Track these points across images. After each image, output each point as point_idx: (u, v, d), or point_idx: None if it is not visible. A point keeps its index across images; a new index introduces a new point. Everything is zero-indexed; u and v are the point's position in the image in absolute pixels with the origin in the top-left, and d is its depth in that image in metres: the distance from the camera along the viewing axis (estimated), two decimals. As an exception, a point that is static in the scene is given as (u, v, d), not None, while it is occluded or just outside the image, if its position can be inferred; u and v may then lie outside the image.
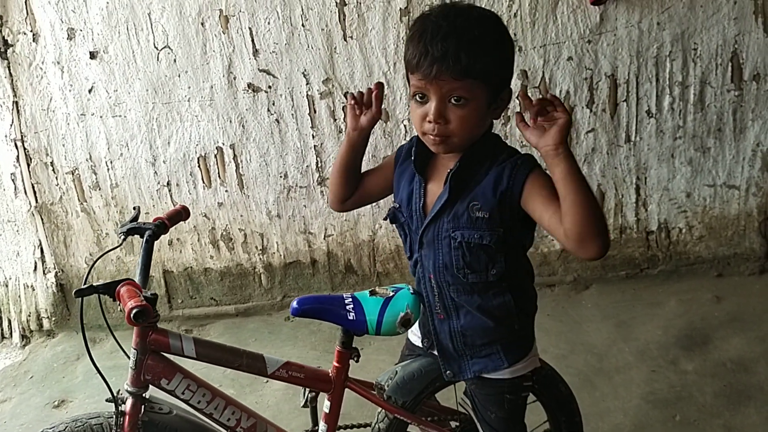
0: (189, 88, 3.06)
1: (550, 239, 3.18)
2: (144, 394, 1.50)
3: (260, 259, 3.32)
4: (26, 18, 3.02)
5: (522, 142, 3.02)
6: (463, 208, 1.36)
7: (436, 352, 1.56)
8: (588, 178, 3.00)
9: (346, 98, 1.42)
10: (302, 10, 2.93)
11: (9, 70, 3.09)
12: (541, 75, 2.94)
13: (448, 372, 1.53)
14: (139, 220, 1.70)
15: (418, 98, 1.31)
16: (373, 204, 3.14)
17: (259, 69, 3.02)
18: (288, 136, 3.11)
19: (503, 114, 2.93)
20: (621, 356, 2.67)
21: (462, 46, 1.22)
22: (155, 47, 3.02)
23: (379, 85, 1.49)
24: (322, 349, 2.97)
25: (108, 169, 3.20)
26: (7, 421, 2.75)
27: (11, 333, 3.45)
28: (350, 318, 1.46)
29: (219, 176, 3.20)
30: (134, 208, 1.75)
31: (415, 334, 1.64)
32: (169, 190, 3.22)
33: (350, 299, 1.49)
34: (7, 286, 3.43)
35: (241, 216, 3.26)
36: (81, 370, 3.00)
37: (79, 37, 3.03)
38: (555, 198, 1.26)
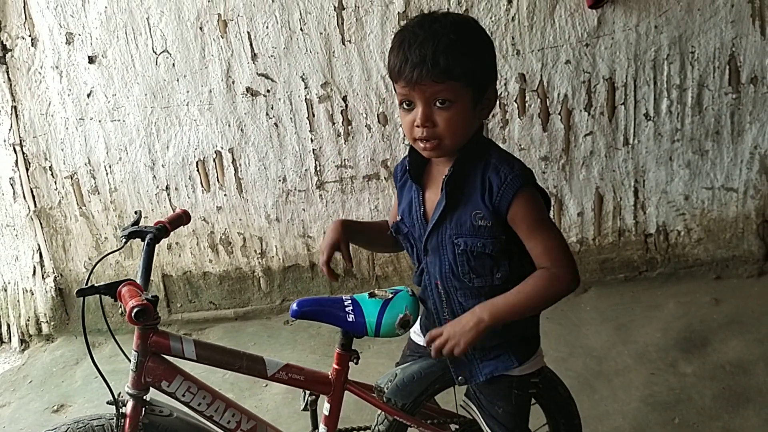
0: (188, 92, 3.07)
1: (548, 242, 3.17)
2: (145, 397, 1.50)
3: (259, 262, 3.33)
4: (25, 23, 3.02)
5: (520, 145, 3.02)
6: (466, 216, 1.38)
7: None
8: (586, 181, 3.04)
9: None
10: (300, 14, 2.94)
11: (8, 74, 3.09)
12: (539, 78, 2.95)
13: (459, 378, 1.53)
14: (140, 224, 1.70)
15: (405, 106, 1.35)
16: (372, 208, 3.17)
17: (257, 73, 3.03)
18: (287, 140, 3.12)
19: (497, 111, 2.98)
20: (620, 359, 2.67)
21: (439, 49, 1.26)
22: (154, 51, 3.02)
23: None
24: (322, 353, 2.96)
25: (107, 174, 3.20)
26: (6, 426, 2.74)
27: (10, 337, 3.45)
28: (349, 320, 1.47)
29: (218, 180, 3.20)
30: (135, 212, 1.75)
31: (417, 334, 1.64)
32: (168, 195, 3.22)
33: (349, 301, 1.49)
34: (6, 290, 3.43)
35: (240, 220, 3.26)
36: (80, 375, 3.00)
37: (78, 42, 3.03)
38: (536, 230, 1.36)
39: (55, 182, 3.23)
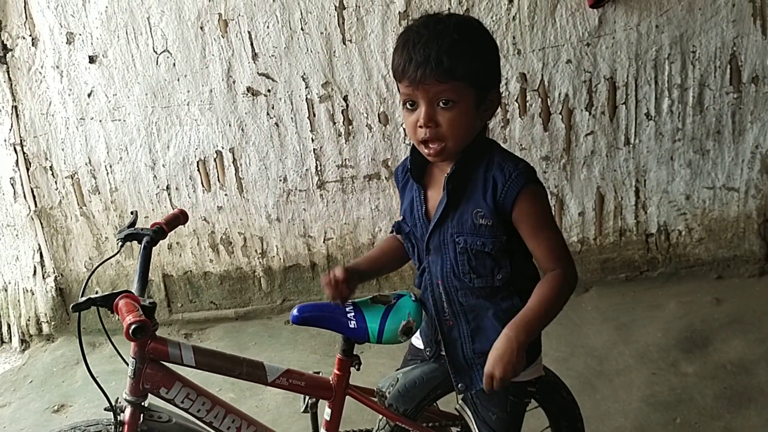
0: (188, 92, 3.06)
1: (549, 242, 3.17)
2: (143, 403, 1.48)
3: (260, 262, 3.32)
4: (25, 22, 3.02)
5: (521, 145, 3.02)
6: (467, 214, 1.38)
7: (440, 360, 1.55)
8: (587, 180, 3.04)
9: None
10: (301, 13, 2.93)
11: (8, 74, 3.09)
12: (540, 78, 2.95)
13: (460, 385, 1.52)
14: (137, 226, 1.68)
15: (408, 106, 1.35)
16: (373, 207, 3.17)
17: (258, 73, 3.02)
18: (287, 140, 3.11)
19: (498, 110, 2.97)
20: (621, 359, 2.67)
21: (443, 49, 1.27)
22: (154, 51, 3.02)
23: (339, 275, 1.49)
24: (322, 353, 2.96)
25: (107, 174, 3.20)
26: (6, 426, 2.74)
27: (11, 337, 3.44)
28: (351, 326, 1.45)
29: (218, 180, 3.20)
30: (132, 213, 1.73)
31: (417, 338, 1.63)
32: (169, 194, 3.22)
33: (351, 307, 1.47)
34: (6, 290, 3.43)
35: (241, 220, 3.26)
36: (80, 375, 2.99)
37: (79, 42, 3.03)
38: (540, 228, 1.36)
39: (56, 182, 3.22)
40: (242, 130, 3.11)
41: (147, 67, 3.04)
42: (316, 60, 2.99)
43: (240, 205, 3.23)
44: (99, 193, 3.23)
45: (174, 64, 3.03)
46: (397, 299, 1.48)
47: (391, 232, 1.58)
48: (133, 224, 1.67)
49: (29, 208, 3.25)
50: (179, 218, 1.77)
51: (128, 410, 1.47)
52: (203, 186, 3.21)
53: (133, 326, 1.26)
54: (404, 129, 3.04)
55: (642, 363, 2.62)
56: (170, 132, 3.13)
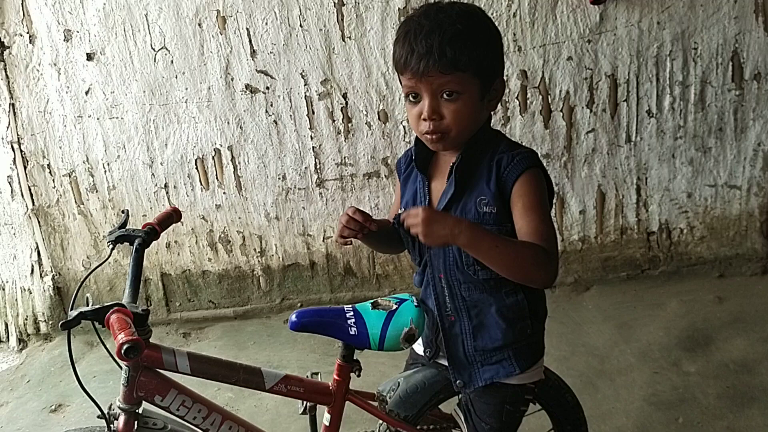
0: (186, 89, 3.05)
1: (550, 240, 3.15)
2: (137, 410, 1.44)
3: (259, 261, 3.30)
4: (23, 20, 3.00)
5: (522, 142, 2.99)
6: (471, 203, 1.35)
7: (439, 362, 1.52)
8: (588, 178, 3.02)
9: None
10: (300, 10, 2.91)
11: (5, 72, 3.07)
12: (541, 75, 2.93)
13: (458, 381, 1.48)
14: (128, 226, 1.62)
15: (411, 98, 1.32)
16: (372, 206, 3.15)
17: (256, 70, 3.00)
18: (286, 138, 3.09)
19: (498, 108, 2.96)
20: (622, 358, 2.65)
21: (446, 40, 1.24)
22: (152, 48, 3.00)
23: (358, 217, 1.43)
24: (322, 352, 2.95)
25: (105, 172, 3.18)
26: (3, 425, 2.72)
27: (8, 337, 3.42)
28: (352, 333, 1.41)
29: (217, 178, 3.18)
30: (122, 212, 1.67)
31: (419, 342, 1.60)
32: (167, 193, 3.20)
33: (351, 312, 1.44)
34: (3, 289, 3.41)
35: (240, 218, 3.24)
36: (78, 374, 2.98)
37: (76, 39, 3.01)
38: (532, 209, 1.30)
39: (53, 180, 3.20)
40: (241, 127, 3.09)
41: (145, 65, 3.02)
42: (315, 57, 2.97)
43: (239, 203, 3.21)
44: (97, 192, 3.21)
45: (172, 62, 3.01)
46: (399, 304, 1.44)
47: (393, 224, 1.54)
48: (124, 225, 1.61)
49: (26, 206, 3.23)
50: (172, 217, 1.71)
51: (122, 418, 1.43)
52: (201, 184, 3.19)
53: (125, 346, 1.19)
54: (404, 127, 3.03)
55: (644, 362, 2.61)
56: (168, 130, 3.11)
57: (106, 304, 1.31)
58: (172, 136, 3.12)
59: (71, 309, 1.32)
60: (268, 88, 3.03)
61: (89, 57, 3.03)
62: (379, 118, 3.03)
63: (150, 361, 1.40)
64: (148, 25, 2.97)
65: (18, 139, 3.15)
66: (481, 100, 1.32)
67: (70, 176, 3.20)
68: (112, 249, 1.56)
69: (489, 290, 1.39)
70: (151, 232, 1.60)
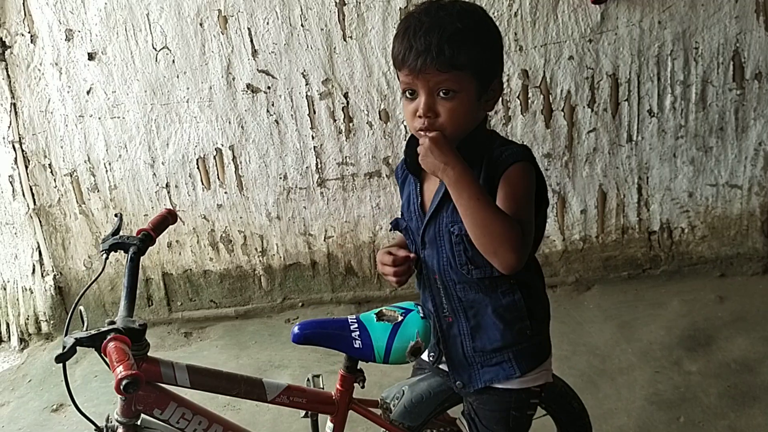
0: (188, 89, 3.05)
1: (551, 240, 3.16)
2: (135, 422, 1.41)
3: (260, 261, 3.31)
4: (24, 19, 3.00)
5: (523, 142, 2.99)
6: None
7: (442, 367, 1.51)
8: (590, 178, 3.01)
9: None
10: (301, 10, 2.91)
11: (7, 71, 3.07)
12: (542, 74, 2.93)
13: (457, 382, 1.47)
14: (123, 232, 1.55)
15: (408, 95, 1.32)
16: (374, 205, 3.15)
17: (258, 69, 3.01)
18: (287, 137, 3.09)
19: (500, 107, 2.96)
20: (624, 357, 2.65)
21: (444, 38, 1.23)
22: (154, 48, 3.00)
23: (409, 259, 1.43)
24: (323, 352, 2.93)
25: (106, 171, 3.18)
26: (5, 425, 2.73)
27: (9, 336, 3.43)
28: (356, 346, 1.40)
29: (218, 178, 3.18)
30: (116, 215, 1.59)
31: None
32: (168, 192, 3.20)
33: (355, 324, 1.42)
34: (5, 289, 3.41)
35: (241, 218, 3.24)
36: (79, 374, 2.97)
37: (78, 39, 3.01)
38: (514, 201, 1.27)
39: (55, 180, 3.21)
40: (242, 127, 3.09)
41: (146, 64, 3.02)
42: (317, 57, 2.97)
43: (240, 203, 3.21)
44: (98, 191, 3.21)
45: (173, 61, 3.01)
46: (405, 315, 1.42)
47: (390, 229, 1.54)
48: (117, 231, 1.54)
49: (28, 206, 3.23)
50: (167, 219, 1.65)
51: (120, 431, 1.40)
52: (203, 184, 3.19)
53: (124, 382, 1.13)
54: (405, 126, 3.03)
55: (645, 361, 2.61)
56: (170, 129, 3.11)
57: (102, 330, 1.27)
58: (174, 135, 3.12)
59: (65, 335, 1.26)
60: (269, 87, 3.03)
61: (91, 56, 3.03)
62: (380, 118, 3.03)
63: (148, 374, 1.37)
64: (150, 25, 2.97)
65: (19, 138, 3.15)
66: (478, 100, 1.31)
67: (71, 176, 3.20)
68: (106, 258, 1.49)
69: (484, 290, 1.38)
70: (147, 239, 1.55)
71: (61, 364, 1.24)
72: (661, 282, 3.14)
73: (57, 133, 3.14)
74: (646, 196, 3.07)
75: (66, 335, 1.25)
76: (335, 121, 3.05)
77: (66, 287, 3.37)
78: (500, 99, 1.56)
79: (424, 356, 1.56)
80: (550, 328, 1.50)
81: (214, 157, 3.15)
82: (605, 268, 3.19)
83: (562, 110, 2.97)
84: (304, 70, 2.99)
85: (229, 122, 3.08)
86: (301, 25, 2.93)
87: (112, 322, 1.31)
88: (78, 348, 1.23)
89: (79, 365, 3.06)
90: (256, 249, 3.29)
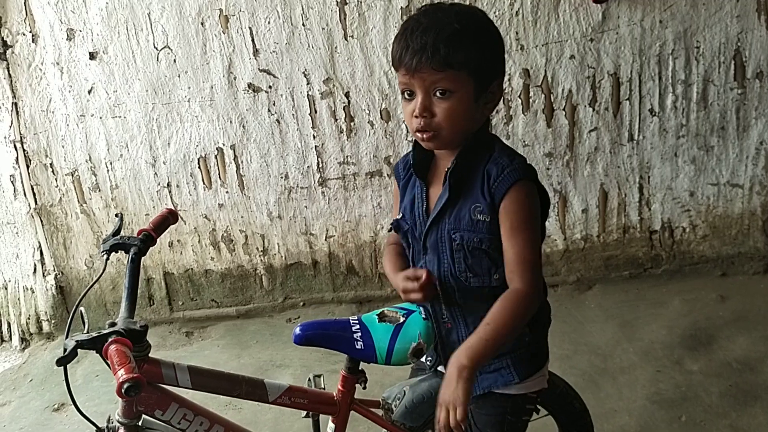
0: (189, 88, 3.05)
1: (552, 239, 3.16)
2: (137, 423, 1.41)
3: (261, 260, 3.31)
4: (25, 19, 3.00)
5: (524, 141, 3.00)
6: (465, 210, 1.34)
7: (440, 370, 1.51)
8: (591, 177, 3.02)
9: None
10: (303, 9, 2.91)
11: (8, 71, 3.07)
12: (543, 74, 2.93)
13: None
14: (123, 232, 1.54)
15: (406, 95, 1.32)
16: (375, 205, 3.15)
17: (259, 69, 3.01)
18: (289, 137, 3.10)
19: (501, 106, 2.95)
20: (625, 356, 2.65)
21: (441, 38, 1.24)
22: (155, 47, 3.00)
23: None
24: (325, 351, 2.91)
25: (108, 171, 3.18)
26: (6, 424, 2.73)
27: (11, 336, 3.43)
28: (358, 347, 1.39)
29: (219, 177, 3.18)
30: (117, 216, 1.58)
31: None
32: (170, 192, 3.20)
33: (357, 325, 1.42)
34: (6, 288, 3.41)
35: (242, 217, 3.24)
36: (81, 373, 2.98)
37: (79, 38, 3.01)
38: (519, 229, 1.29)
39: (56, 179, 3.21)
40: (243, 126, 3.09)
41: (147, 64, 3.02)
42: (318, 56, 2.97)
43: (241, 202, 3.21)
44: (99, 191, 3.21)
45: (174, 61, 3.01)
46: (407, 316, 1.42)
47: (390, 230, 1.53)
48: (118, 231, 1.54)
49: (29, 205, 3.24)
50: (168, 219, 1.65)
51: None
52: (204, 183, 3.19)
53: (126, 385, 1.14)
54: (407, 126, 3.03)
55: (646, 361, 2.61)
56: (171, 129, 3.11)
57: (103, 332, 1.27)
58: (175, 135, 3.12)
59: (66, 337, 1.26)
60: (270, 87, 3.03)
61: (92, 56, 3.03)
62: (381, 117, 3.03)
63: (150, 376, 1.37)
64: (151, 24, 2.97)
65: (21, 138, 3.15)
66: (476, 101, 1.30)
67: (72, 175, 3.20)
68: (107, 259, 1.48)
69: (483, 298, 1.36)
70: (147, 239, 1.54)
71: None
72: (662, 281, 3.14)
73: (58, 132, 3.14)
74: (647, 195, 3.07)
75: (67, 337, 1.25)
76: (336, 120, 3.05)
77: (67, 287, 3.37)
78: (502, 98, 1.56)
79: (423, 359, 1.56)
80: (551, 328, 1.50)
81: (216, 157, 3.15)
82: (606, 268, 3.19)
83: (564, 109, 2.97)
84: (306, 70, 2.99)
85: (231, 122, 3.08)
86: (303, 25, 2.93)
87: (113, 324, 1.31)
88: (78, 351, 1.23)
89: (81, 365, 3.06)
90: (257, 248, 3.29)
